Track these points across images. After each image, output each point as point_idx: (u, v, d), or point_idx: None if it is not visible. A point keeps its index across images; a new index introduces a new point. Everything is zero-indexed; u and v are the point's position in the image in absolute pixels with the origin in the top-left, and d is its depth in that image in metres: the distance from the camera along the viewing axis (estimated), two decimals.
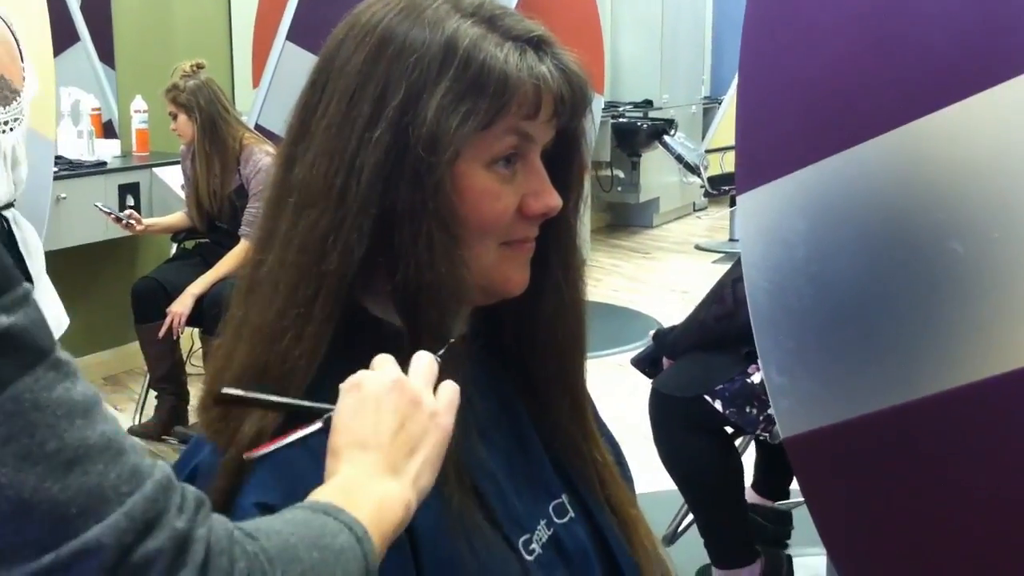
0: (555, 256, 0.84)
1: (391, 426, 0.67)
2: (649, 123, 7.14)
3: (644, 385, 4.37)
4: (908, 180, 1.24)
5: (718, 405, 2.38)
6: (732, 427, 2.45)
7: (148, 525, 0.50)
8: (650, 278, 6.30)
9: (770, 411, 2.34)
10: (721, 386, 2.37)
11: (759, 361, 1.42)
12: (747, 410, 2.34)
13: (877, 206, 1.27)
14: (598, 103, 6.10)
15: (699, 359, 2.47)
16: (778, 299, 1.36)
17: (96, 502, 0.49)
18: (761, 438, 2.38)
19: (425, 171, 0.73)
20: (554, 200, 0.80)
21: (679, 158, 6.35)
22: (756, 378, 2.30)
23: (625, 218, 7.86)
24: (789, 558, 2.49)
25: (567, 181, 0.84)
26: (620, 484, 0.91)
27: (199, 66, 3.54)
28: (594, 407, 0.94)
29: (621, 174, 7.45)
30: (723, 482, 2.45)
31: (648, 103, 7.54)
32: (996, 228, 1.17)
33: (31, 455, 0.47)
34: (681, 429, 2.51)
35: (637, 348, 4.85)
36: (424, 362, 0.71)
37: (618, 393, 4.24)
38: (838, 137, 1.27)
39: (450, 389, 0.71)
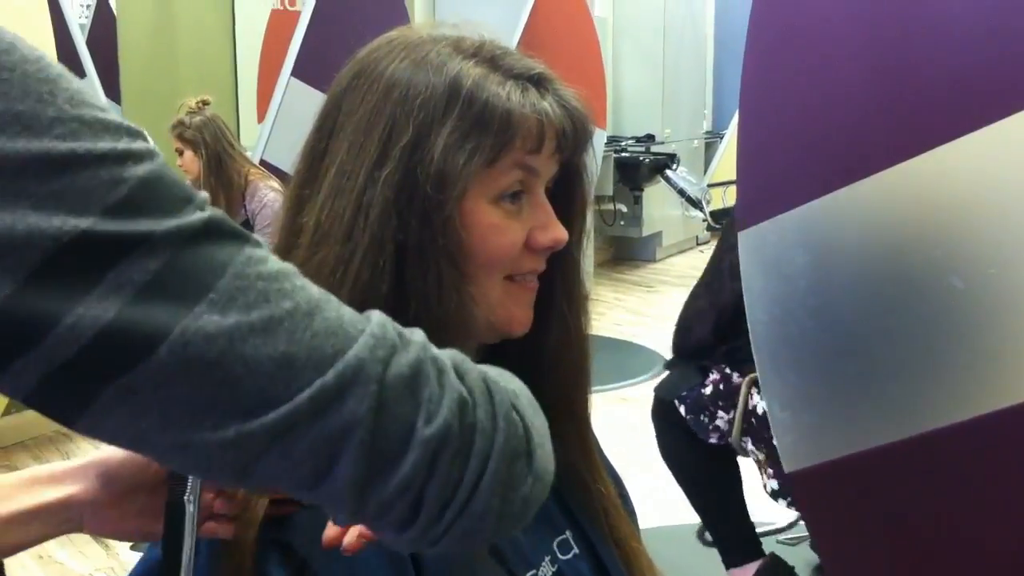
0: (559, 289, 0.85)
1: None
2: (651, 157, 7.18)
3: (646, 419, 4.37)
4: (908, 216, 1.25)
5: (682, 410, 2.60)
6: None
7: (395, 342, 0.54)
8: (653, 312, 6.31)
9: (719, 421, 2.50)
10: (684, 393, 2.60)
11: (762, 394, 1.42)
12: (700, 417, 2.53)
13: (878, 241, 1.28)
14: (600, 137, 6.13)
15: (679, 365, 2.68)
16: (779, 333, 1.37)
17: (343, 336, 0.52)
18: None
19: (434, 208, 0.74)
20: (560, 233, 0.81)
21: (681, 192, 6.38)
22: (707, 390, 2.51)
23: (628, 252, 7.88)
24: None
25: (570, 215, 0.85)
26: (623, 517, 0.91)
27: (204, 102, 3.57)
28: (597, 441, 0.94)
29: (624, 208, 7.48)
30: (718, 483, 2.56)
31: (650, 137, 7.58)
32: (994, 264, 1.18)
33: (273, 317, 0.51)
34: (678, 432, 2.65)
35: (640, 382, 4.86)
36: None
37: (621, 427, 4.24)
38: (839, 173, 1.27)
39: None
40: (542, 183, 0.81)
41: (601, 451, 0.95)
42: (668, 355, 5.39)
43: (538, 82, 0.79)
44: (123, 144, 0.50)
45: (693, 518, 3.00)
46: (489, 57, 0.79)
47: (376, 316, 0.55)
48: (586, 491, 0.88)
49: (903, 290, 1.26)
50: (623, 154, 7.34)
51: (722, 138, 8.04)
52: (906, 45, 1.26)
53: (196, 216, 0.51)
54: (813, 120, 1.32)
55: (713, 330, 2.49)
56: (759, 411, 2.38)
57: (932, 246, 1.24)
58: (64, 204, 0.47)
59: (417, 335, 0.56)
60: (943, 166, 1.21)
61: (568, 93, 0.81)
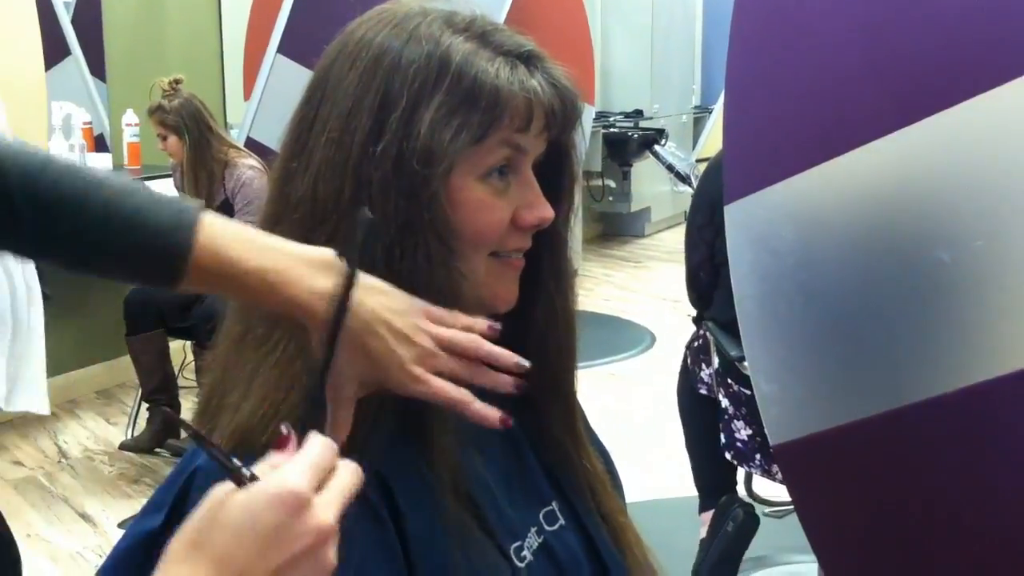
0: (546, 267, 0.86)
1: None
2: (640, 133, 7.17)
3: (636, 395, 4.40)
4: (895, 189, 1.25)
5: (689, 360, 2.72)
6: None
7: None
8: (642, 287, 6.32)
9: (703, 374, 2.62)
10: (692, 342, 2.71)
11: (749, 368, 1.43)
12: (694, 368, 2.67)
13: (865, 215, 1.28)
14: (589, 113, 6.12)
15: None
16: (767, 307, 1.37)
17: None
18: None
19: (420, 184, 0.74)
20: (547, 211, 0.81)
21: (670, 167, 6.37)
22: (698, 343, 2.65)
23: (617, 228, 7.88)
24: (747, 514, 2.55)
25: (558, 193, 0.85)
26: (610, 492, 0.92)
27: (177, 81, 3.55)
28: (584, 416, 0.95)
29: (612, 184, 7.47)
30: (704, 430, 2.63)
31: (639, 113, 7.57)
32: (980, 236, 1.18)
33: None
34: (683, 376, 2.79)
35: (628, 357, 4.87)
36: (314, 454, 0.57)
37: (609, 402, 4.26)
38: (825, 146, 1.28)
39: (340, 486, 0.57)
40: (529, 161, 0.81)
41: (589, 426, 0.95)
42: (657, 330, 5.40)
43: (528, 59, 0.79)
44: None
45: (681, 492, 3.02)
46: (480, 33, 0.78)
47: None
48: (572, 465, 0.88)
49: (890, 263, 1.27)
50: (611, 130, 7.32)
51: (711, 113, 8.02)
52: (893, 18, 1.26)
53: None
54: (799, 93, 1.32)
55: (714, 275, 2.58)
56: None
57: (919, 219, 1.24)
58: None
59: None
60: (930, 138, 1.21)
61: (558, 71, 0.80)
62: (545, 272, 0.85)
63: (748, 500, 2.61)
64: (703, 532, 2.63)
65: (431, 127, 0.74)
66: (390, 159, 0.74)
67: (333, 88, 0.77)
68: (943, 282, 1.23)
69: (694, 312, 2.74)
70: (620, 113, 7.62)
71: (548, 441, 0.88)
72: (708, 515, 2.63)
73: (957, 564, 1.33)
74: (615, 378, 4.61)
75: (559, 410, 0.88)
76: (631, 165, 7.36)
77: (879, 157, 1.24)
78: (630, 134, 7.23)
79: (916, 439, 1.31)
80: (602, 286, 6.38)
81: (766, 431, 1.44)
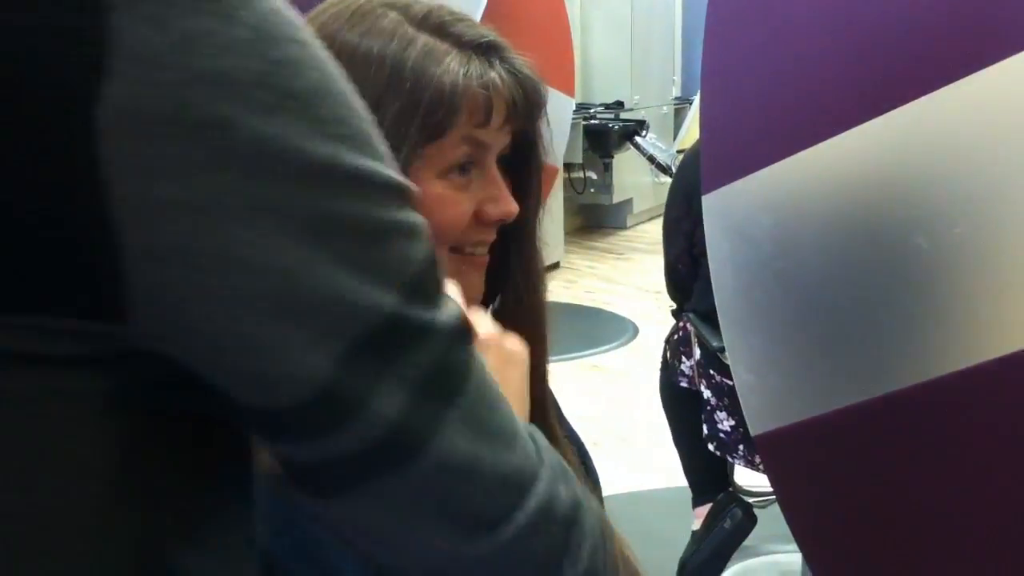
0: (515, 261, 0.85)
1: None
2: (620, 124, 7.17)
3: (619, 387, 4.41)
4: (871, 176, 1.25)
5: (668, 354, 2.71)
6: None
7: (559, 474, 0.55)
8: (625, 279, 6.31)
9: (683, 367, 2.62)
10: (671, 335, 2.71)
11: (729, 358, 1.42)
12: (674, 361, 2.67)
13: (841, 202, 1.27)
14: (569, 105, 6.10)
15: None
16: (745, 297, 1.36)
17: (530, 462, 0.53)
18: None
19: None
20: (511, 206, 0.80)
21: (651, 159, 6.38)
22: (677, 336, 2.65)
23: (599, 219, 7.88)
24: (745, 513, 2.55)
25: (526, 185, 0.84)
26: (581, 485, 0.90)
27: None
28: (559, 409, 0.94)
29: (594, 176, 7.47)
30: (689, 424, 2.61)
31: (619, 104, 7.56)
32: (959, 223, 1.18)
33: (500, 436, 0.52)
34: (665, 372, 2.77)
35: (612, 349, 4.87)
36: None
37: (593, 394, 4.25)
38: (802, 134, 1.27)
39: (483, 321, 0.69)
40: (493, 155, 0.80)
41: (563, 419, 0.94)
42: (640, 322, 5.41)
43: (487, 50, 0.78)
44: (415, 217, 0.49)
45: (666, 482, 3.02)
46: (437, 25, 0.77)
47: (540, 439, 0.55)
48: None
49: (868, 251, 1.26)
50: (592, 121, 7.31)
51: (691, 104, 8.02)
52: (869, 4, 1.25)
53: (454, 310, 0.50)
54: (776, 82, 1.31)
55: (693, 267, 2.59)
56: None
57: (896, 206, 1.23)
58: (376, 277, 0.46)
59: (567, 469, 0.57)
60: (907, 125, 1.20)
61: (519, 61, 0.79)
62: (514, 266, 0.84)
63: (747, 499, 2.60)
64: (696, 524, 2.62)
65: (387, 127, 0.73)
66: None
67: None
68: (922, 269, 1.22)
69: (675, 305, 2.74)
70: (601, 104, 7.62)
71: None
72: (702, 510, 2.63)
73: (941, 552, 1.32)
74: (598, 370, 4.61)
75: (529, 403, 0.87)
76: (612, 156, 7.35)
77: (856, 145, 1.23)
78: (611, 125, 7.22)
79: (897, 427, 1.30)
80: (585, 278, 6.38)
81: (746, 421, 1.43)
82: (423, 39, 0.75)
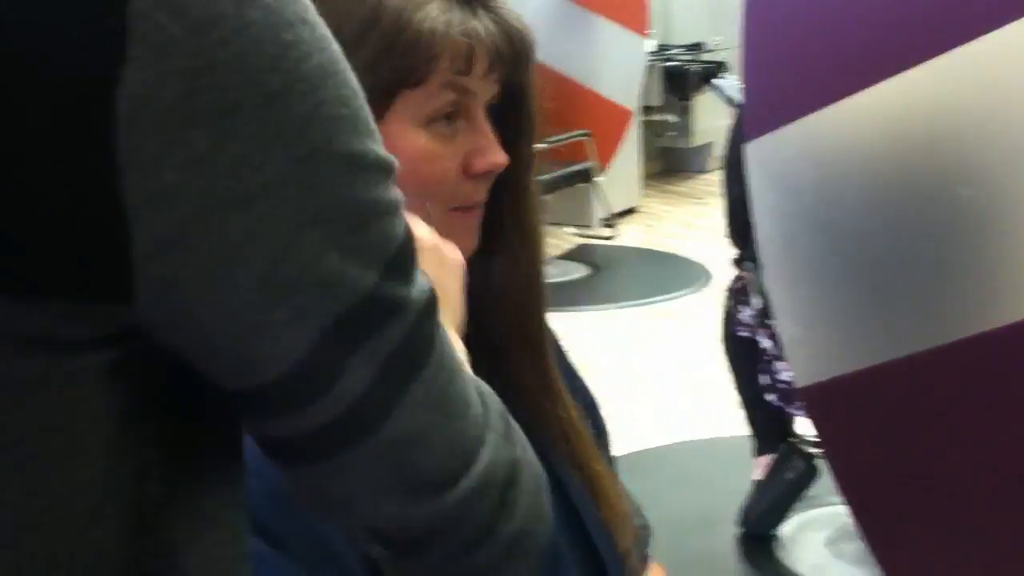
0: (509, 217, 0.84)
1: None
2: (700, 66, 7.03)
3: (689, 334, 4.37)
4: (913, 125, 1.21)
5: (731, 302, 2.69)
6: None
7: (503, 437, 0.56)
8: (702, 223, 6.23)
9: (741, 315, 2.58)
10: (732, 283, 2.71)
11: (774, 310, 1.41)
12: (734, 309, 2.66)
13: (883, 152, 1.24)
14: (640, 44, 6.01)
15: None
16: (790, 248, 1.35)
17: (477, 428, 0.53)
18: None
19: None
20: (499, 157, 0.79)
21: (731, 101, 6.25)
22: (737, 284, 2.63)
23: (678, 163, 7.77)
24: (807, 464, 2.52)
25: (516, 138, 0.83)
26: (586, 441, 0.90)
27: None
28: (566, 360, 0.94)
29: (673, 119, 7.36)
30: (750, 372, 2.61)
31: (698, 46, 7.41)
32: (1002, 172, 1.14)
33: (454, 406, 0.52)
34: (727, 319, 2.76)
35: (684, 295, 4.84)
36: None
37: (661, 341, 4.24)
38: (844, 83, 1.24)
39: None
40: (479, 104, 0.79)
41: (573, 375, 0.94)
42: (715, 268, 5.36)
43: (471, 1, 0.77)
44: (395, 193, 0.49)
45: (733, 431, 3.01)
46: None
47: (489, 399, 0.56)
48: (543, 415, 0.87)
49: (910, 201, 1.23)
50: (671, 63, 7.20)
51: None
52: None
53: (426, 285, 0.51)
54: (818, 28, 1.28)
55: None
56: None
57: (937, 156, 1.20)
58: (359, 258, 0.47)
59: (511, 424, 0.58)
60: (949, 73, 1.16)
61: (505, 11, 0.78)
62: (508, 222, 0.84)
63: (808, 450, 2.58)
64: (756, 474, 2.61)
65: (361, 73, 0.73)
66: None
67: None
68: (965, 220, 1.19)
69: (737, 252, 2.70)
70: (680, 46, 7.48)
71: (519, 391, 0.87)
72: (763, 459, 2.61)
73: (991, 505, 1.30)
74: (669, 317, 4.59)
75: (527, 359, 0.87)
76: (691, 99, 7.23)
77: (897, 93, 1.20)
78: (690, 67, 7.10)
79: (945, 380, 1.28)
80: (662, 222, 6.33)
81: (792, 373, 1.42)
82: None
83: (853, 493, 1.42)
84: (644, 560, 1.00)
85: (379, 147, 0.48)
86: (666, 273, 5.14)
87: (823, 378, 1.36)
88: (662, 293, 4.77)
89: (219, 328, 0.45)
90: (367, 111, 0.48)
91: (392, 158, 0.49)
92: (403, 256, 0.49)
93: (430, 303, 0.51)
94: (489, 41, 0.76)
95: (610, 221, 5.50)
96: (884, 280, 1.29)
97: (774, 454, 2.57)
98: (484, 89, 0.79)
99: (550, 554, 0.83)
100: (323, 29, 0.47)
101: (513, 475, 0.55)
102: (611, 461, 0.97)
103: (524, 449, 0.58)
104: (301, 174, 0.44)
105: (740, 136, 2.60)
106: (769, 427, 2.62)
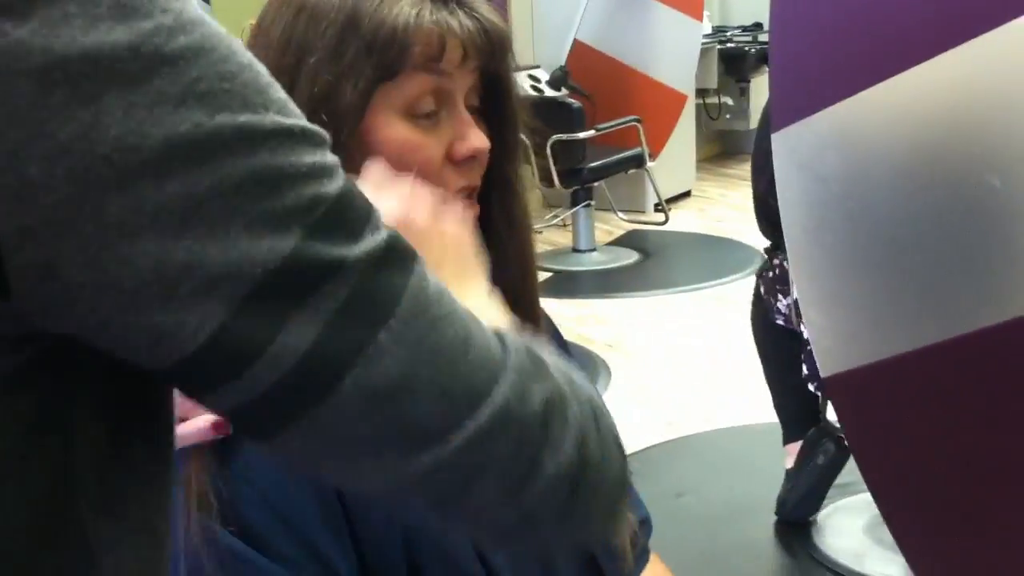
0: (496, 210, 0.85)
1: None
2: (758, 47, 6.96)
3: (738, 318, 4.34)
4: (941, 113, 1.20)
5: (762, 289, 2.68)
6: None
7: (530, 373, 0.55)
8: None
9: (780, 304, 2.58)
10: (765, 271, 2.68)
11: (799, 299, 1.40)
12: (769, 298, 2.63)
13: (911, 139, 1.23)
14: (697, 28, 5.95)
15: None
16: (816, 237, 1.34)
17: (491, 368, 0.53)
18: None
19: (339, 128, 0.75)
20: (479, 141, 0.81)
21: None
22: (772, 272, 2.59)
23: (734, 146, 7.70)
24: (838, 447, 2.51)
25: (499, 130, 0.85)
26: None
27: None
28: (561, 341, 0.95)
29: (730, 101, 7.30)
30: (782, 361, 2.62)
31: (758, 26, 7.34)
32: None
33: (439, 349, 0.52)
34: (759, 307, 2.77)
35: (735, 280, 4.80)
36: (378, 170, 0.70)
37: (713, 326, 4.22)
38: (871, 70, 1.23)
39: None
40: (458, 94, 0.81)
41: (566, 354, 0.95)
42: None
43: (446, 1, 0.79)
44: (320, 156, 0.50)
45: (768, 418, 2.99)
46: None
47: (511, 342, 0.56)
48: None
49: (939, 191, 1.22)
50: (728, 45, 7.13)
51: None
52: None
53: (379, 238, 0.51)
54: (844, 17, 1.27)
55: None
56: None
57: (967, 143, 1.19)
58: (272, 225, 0.47)
59: (545, 355, 0.57)
60: (977, 59, 1.15)
61: (477, 4, 0.81)
62: (496, 215, 0.85)
63: (839, 432, 2.57)
64: (788, 463, 2.60)
65: (345, 70, 0.76)
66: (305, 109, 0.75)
67: (262, 43, 0.79)
68: (994, 208, 1.18)
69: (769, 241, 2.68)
70: (738, 27, 7.42)
71: None
72: (793, 446, 2.60)
73: (1010, 493, 1.29)
74: (721, 302, 4.56)
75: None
76: (749, 81, 7.15)
77: (924, 81, 1.19)
78: (748, 48, 7.03)
79: (967, 371, 1.27)
80: (716, 206, 6.28)
81: (817, 362, 1.41)
82: None
83: (876, 483, 1.42)
84: (645, 553, 1.01)
85: (283, 116, 0.48)
86: (719, 258, 5.10)
87: (847, 368, 1.36)
88: (713, 279, 4.74)
89: (118, 308, 0.45)
90: (263, 84, 0.48)
91: (304, 125, 0.50)
92: (336, 216, 0.49)
93: (387, 254, 0.51)
94: (462, 32, 0.78)
95: (662, 206, 5.47)
96: (910, 270, 1.29)
97: (802, 440, 2.57)
98: (461, 78, 0.81)
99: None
100: (192, 12, 0.47)
101: (549, 409, 0.54)
102: None
103: (572, 384, 0.57)
104: (184, 150, 0.45)
105: (768, 126, 2.57)
106: (802, 415, 2.60)
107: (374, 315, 0.50)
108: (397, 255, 0.51)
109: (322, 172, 0.50)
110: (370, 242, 0.50)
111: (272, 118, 0.48)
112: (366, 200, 0.52)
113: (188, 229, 0.45)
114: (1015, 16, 1.12)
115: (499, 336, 0.55)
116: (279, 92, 0.50)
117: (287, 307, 0.47)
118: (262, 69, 0.49)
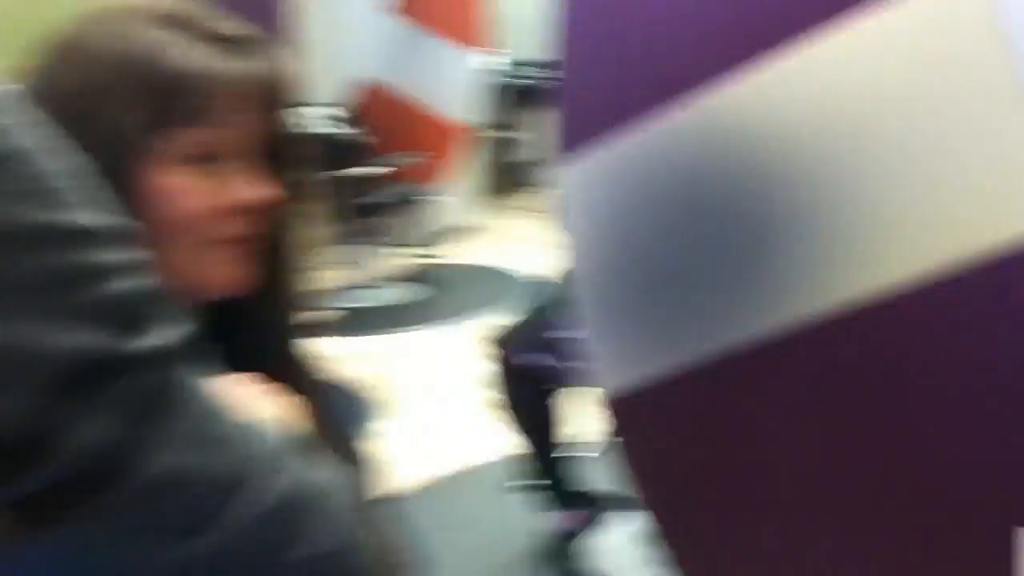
0: (275, 248, 0.85)
1: None
2: (551, 82, 7.06)
3: None
4: (701, 156, 1.28)
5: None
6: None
7: (289, 468, 0.60)
8: (543, 238, 6.26)
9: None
10: None
11: (580, 324, 1.44)
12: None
13: (675, 181, 1.31)
14: (480, 61, 5.98)
15: None
16: (594, 258, 1.40)
17: (246, 465, 0.57)
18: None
19: (114, 175, 0.70)
20: (255, 193, 0.80)
21: None
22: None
23: (527, 179, 7.82)
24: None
25: (285, 173, 0.83)
26: None
27: None
28: (329, 388, 0.93)
29: (521, 135, 7.42)
30: (536, 433, 2.61)
31: (554, 63, 7.45)
32: (809, 187, 1.21)
33: (196, 442, 0.55)
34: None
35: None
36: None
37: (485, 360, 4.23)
38: (641, 107, 1.30)
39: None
40: (236, 141, 0.80)
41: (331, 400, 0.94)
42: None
43: (224, 42, 0.79)
44: (121, 254, 0.51)
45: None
46: (177, 20, 0.78)
47: (274, 439, 0.61)
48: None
49: (704, 222, 1.29)
50: (521, 79, 7.26)
51: None
52: None
53: (173, 336, 0.52)
54: (629, 45, 1.34)
55: None
56: None
57: (722, 184, 1.27)
58: (76, 319, 0.48)
59: (278, 451, 0.61)
60: (754, 91, 1.23)
61: (257, 50, 0.80)
62: (274, 253, 0.84)
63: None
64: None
65: (114, 118, 0.74)
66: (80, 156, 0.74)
67: (47, 83, 0.77)
68: (758, 230, 1.25)
69: None
70: (532, 63, 7.53)
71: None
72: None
73: (786, 511, 1.35)
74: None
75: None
76: (541, 115, 7.26)
77: (702, 118, 1.26)
78: (540, 84, 7.17)
79: (736, 389, 1.33)
80: (507, 239, 6.36)
81: (597, 382, 1.44)
82: (157, 33, 0.77)
83: (649, 497, 1.45)
84: None
85: (84, 216, 0.50)
86: (501, 290, 5.16)
87: (626, 387, 1.40)
88: (493, 310, 4.79)
89: None
90: (66, 187, 0.50)
91: (103, 223, 0.51)
92: (127, 312, 0.51)
93: (172, 352, 0.53)
94: (237, 78, 0.78)
95: (449, 239, 5.51)
96: (684, 290, 1.34)
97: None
98: (240, 124, 0.79)
99: None
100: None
101: (303, 502, 0.59)
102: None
103: (328, 478, 0.62)
104: None
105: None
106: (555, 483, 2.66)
107: (156, 409, 0.52)
108: (182, 350, 0.54)
109: (122, 269, 0.51)
110: (160, 338, 0.52)
111: (73, 219, 0.49)
112: (160, 295, 0.53)
113: None
114: (779, 49, 1.20)
115: (257, 428, 0.60)
116: (85, 186, 0.51)
117: (84, 402, 0.49)
118: (68, 166, 0.50)
